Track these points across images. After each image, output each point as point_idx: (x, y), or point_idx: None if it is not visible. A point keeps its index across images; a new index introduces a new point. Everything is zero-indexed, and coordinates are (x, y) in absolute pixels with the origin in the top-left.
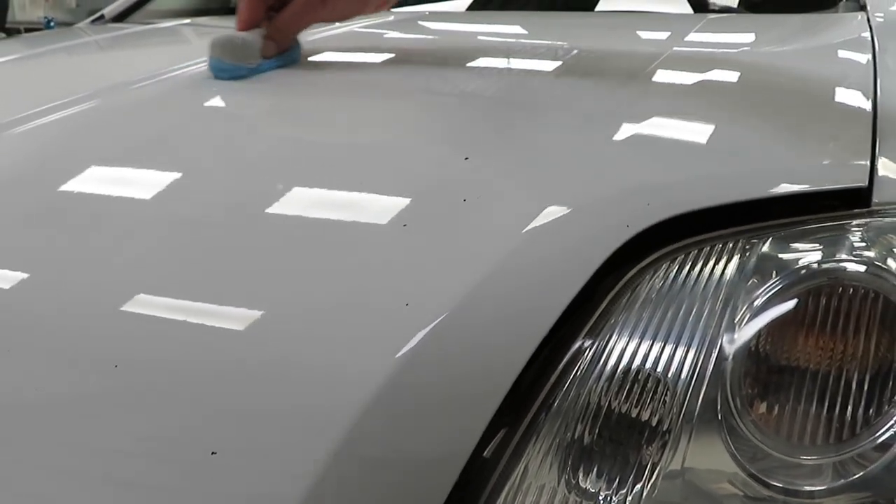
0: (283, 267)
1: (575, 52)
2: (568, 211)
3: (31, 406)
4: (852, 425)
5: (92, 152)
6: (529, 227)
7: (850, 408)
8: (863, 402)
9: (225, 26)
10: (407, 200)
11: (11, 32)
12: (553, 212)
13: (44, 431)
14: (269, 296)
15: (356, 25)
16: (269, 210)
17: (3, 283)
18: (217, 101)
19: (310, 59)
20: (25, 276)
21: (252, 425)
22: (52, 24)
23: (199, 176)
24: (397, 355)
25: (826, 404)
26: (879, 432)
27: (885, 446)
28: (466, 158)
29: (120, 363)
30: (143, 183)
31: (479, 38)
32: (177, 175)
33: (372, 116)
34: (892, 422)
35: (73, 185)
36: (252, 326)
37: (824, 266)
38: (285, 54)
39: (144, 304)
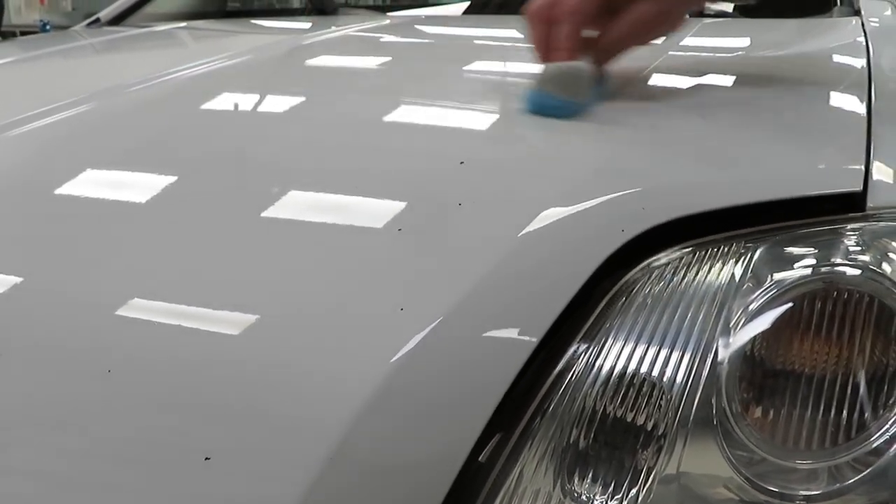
0: (278, 271)
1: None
2: (563, 215)
3: (23, 410)
4: (847, 429)
5: (88, 156)
6: (524, 231)
7: (845, 412)
8: (858, 407)
9: (222, 29)
10: (401, 204)
11: (7, 35)
12: (548, 216)
13: (36, 436)
14: (264, 300)
15: (352, 29)
16: (264, 214)
17: None
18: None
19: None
20: (19, 279)
21: (246, 430)
22: (47, 27)
23: (195, 179)
24: (392, 360)
25: (821, 408)
26: (874, 437)
27: (880, 451)
28: (462, 162)
29: (113, 368)
30: (137, 186)
31: (475, 41)
32: (172, 178)
33: None
34: (886, 426)
35: (68, 190)
36: (246, 331)
37: (819, 270)
38: (601, 85)
39: (138, 309)
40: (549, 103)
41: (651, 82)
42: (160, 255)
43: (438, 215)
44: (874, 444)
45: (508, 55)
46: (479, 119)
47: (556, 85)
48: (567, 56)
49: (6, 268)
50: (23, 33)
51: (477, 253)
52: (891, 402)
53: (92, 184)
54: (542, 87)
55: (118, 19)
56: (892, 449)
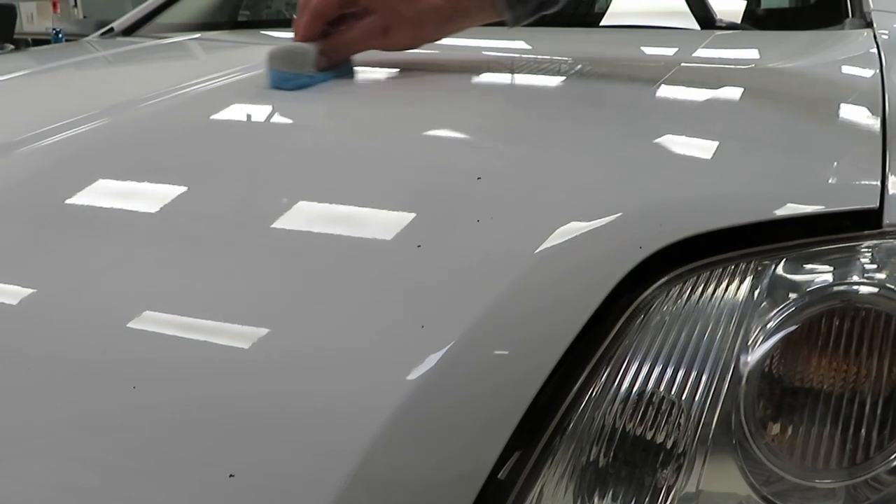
0: (298, 287)
1: (579, 67)
2: (581, 232)
3: (49, 425)
4: (866, 448)
5: (105, 170)
6: (542, 248)
7: (863, 430)
8: (876, 425)
9: (235, 41)
10: (421, 220)
11: (19, 44)
12: (566, 233)
13: (62, 451)
14: (285, 318)
15: None
16: (282, 230)
17: (23, 302)
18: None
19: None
20: (46, 295)
21: (269, 448)
22: (60, 35)
23: (214, 194)
24: (413, 377)
25: (839, 427)
26: (893, 455)
27: None
28: (479, 178)
29: (138, 384)
30: (154, 201)
31: (484, 53)
32: (192, 193)
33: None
34: None
35: (85, 204)
36: (266, 348)
37: (836, 288)
38: (339, 67)
39: (162, 324)
40: (281, 76)
41: (661, 95)
42: (183, 270)
43: (457, 231)
44: (893, 464)
45: (516, 66)
46: (494, 133)
47: (284, 62)
48: (297, 39)
49: (33, 282)
50: (35, 41)
51: (495, 270)
52: None
53: (109, 198)
54: (273, 65)
55: (131, 29)
56: None
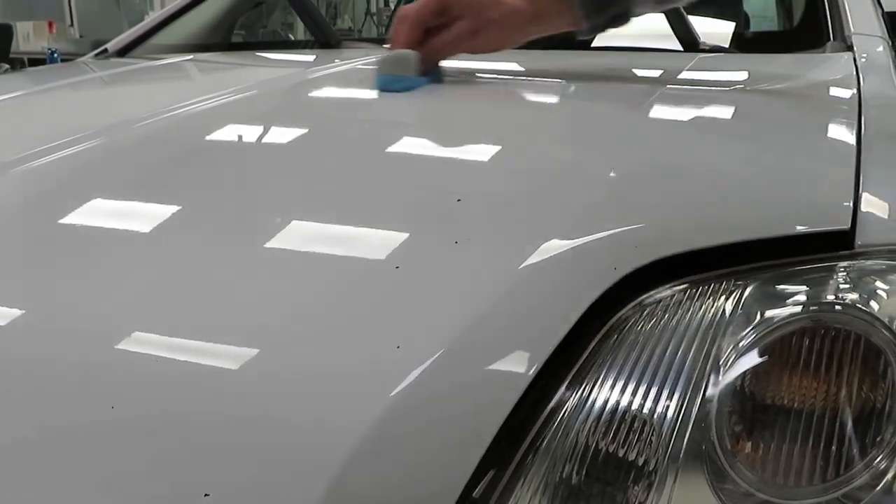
0: (275, 308)
1: (572, 89)
2: (556, 253)
3: (28, 446)
4: (836, 466)
5: (96, 191)
6: (518, 269)
7: (833, 448)
8: (847, 443)
9: (227, 62)
10: (399, 242)
11: (15, 63)
12: (541, 254)
13: (41, 471)
14: (261, 337)
15: (356, 63)
16: (263, 252)
17: (4, 318)
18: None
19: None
20: (24, 315)
21: (245, 467)
22: (55, 55)
23: (197, 215)
24: (388, 397)
25: (810, 445)
26: (863, 473)
27: (869, 487)
28: (459, 200)
29: (116, 404)
30: (140, 223)
31: (477, 75)
32: (175, 214)
33: None
34: (875, 463)
35: (74, 224)
36: (243, 368)
37: (808, 308)
38: (432, 74)
39: (140, 343)
40: (387, 79)
41: (641, 117)
42: (160, 290)
43: (435, 253)
44: (863, 481)
45: (508, 87)
46: (478, 154)
47: (390, 66)
48: (398, 46)
49: (12, 302)
50: (31, 61)
51: (471, 292)
52: (878, 438)
53: (97, 219)
54: (380, 69)
55: (125, 50)
56: (881, 485)
